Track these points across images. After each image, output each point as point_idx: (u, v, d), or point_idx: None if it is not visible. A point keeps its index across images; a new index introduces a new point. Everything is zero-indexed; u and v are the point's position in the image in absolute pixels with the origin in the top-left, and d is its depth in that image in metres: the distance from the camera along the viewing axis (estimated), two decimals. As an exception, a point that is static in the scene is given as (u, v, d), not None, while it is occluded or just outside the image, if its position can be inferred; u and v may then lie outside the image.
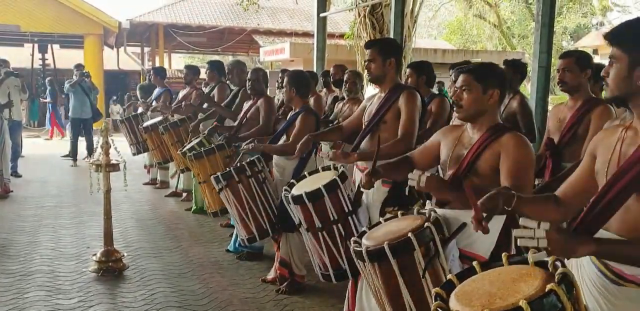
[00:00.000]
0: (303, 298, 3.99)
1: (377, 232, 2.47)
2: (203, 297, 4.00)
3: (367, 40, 3.60)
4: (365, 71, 3.52)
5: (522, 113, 4.52)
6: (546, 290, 1.40)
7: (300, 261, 4.13)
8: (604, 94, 1.77)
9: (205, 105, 6.15)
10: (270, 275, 4.33)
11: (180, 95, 7.22)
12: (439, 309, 1.58)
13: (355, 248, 2.38)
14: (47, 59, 19.83)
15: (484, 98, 2.41)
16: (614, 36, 1.69)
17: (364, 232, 2.53)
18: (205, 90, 6.52)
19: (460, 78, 2.46)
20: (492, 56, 16.22)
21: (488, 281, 1.60)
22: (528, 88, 13.80)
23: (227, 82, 6.18)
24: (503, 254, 1.69)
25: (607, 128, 1.92)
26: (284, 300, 3.96)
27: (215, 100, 6.08)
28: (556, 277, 1.44)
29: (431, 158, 2.69)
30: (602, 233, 1.72)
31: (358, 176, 3.47)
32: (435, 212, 2.44)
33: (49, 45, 19.96)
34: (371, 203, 3.29)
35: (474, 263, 1.72)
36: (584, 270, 1.79)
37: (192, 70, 7.49)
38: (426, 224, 2.29)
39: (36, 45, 19.59)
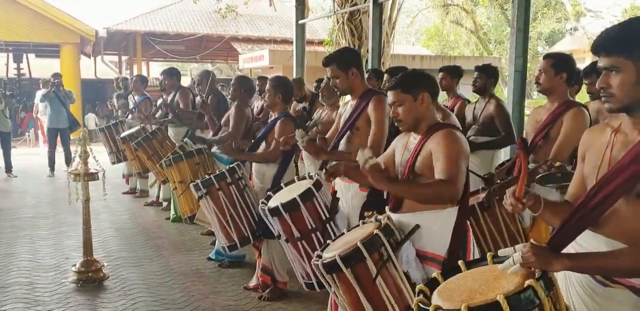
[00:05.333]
0: (286, 305, 3.98)
1: (336, 243, 2.55)
2: (185, 306, 3.97)
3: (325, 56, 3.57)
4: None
5: (500, 116, 4.60)
6: (524, 285, 1.43)
7: (282, 267, 4.12)
8: (606, 106, 1.67)
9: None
10: (253, 282, 4.31)
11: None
12: (420, 304, 1.61)
13: (314, 262, 2.45)
14: (22, 69, 19.58)
15: (417, 105, 2.51)
16: (611, 45, 1.62)
17: (328, 245, 2.60)
18: (168, 97, 6.58)
19: (390, 96, 2.56)
20: (470, 61, 16.37)
21: (471, 279, 1.64)
22: (505, 92, 13.96)
23: (197, 89, 6.26)
24: (488, 254, 1.72)
25: (593, 129, 1.87)
26: (266, 307, 3.94)
27: (181, 105, 6.25)
28: (536, 274, 1.48)
29: (390, 165, 2.76)
30: (588, 234, 1.72)
31: (337, 183, 3.49)
32: (389, 218, 2.50)
33: (24, 55, 19.72)
34: (350, 208, 3.31)
35: (460, 262, 1.77)
36: (572, 272, 1.79)
37: (142, 78, 7.96)
38: (375, 231, 2.36)
39: (11, 55, 19.34)
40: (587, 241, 1.73)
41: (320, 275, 2.45)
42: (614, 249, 1.61)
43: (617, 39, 1.61)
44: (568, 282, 1.80)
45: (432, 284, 1.72)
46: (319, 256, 2.47)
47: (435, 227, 2.45)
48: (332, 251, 2.42)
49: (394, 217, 2.55)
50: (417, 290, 1.72)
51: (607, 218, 1.67)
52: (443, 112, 3.97)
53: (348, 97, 3.68)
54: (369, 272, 2.31)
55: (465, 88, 5.48)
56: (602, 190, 1.63)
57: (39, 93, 12.87)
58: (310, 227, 3.16)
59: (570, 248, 1.73)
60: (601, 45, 1.63)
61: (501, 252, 1.66)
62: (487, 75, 4.73)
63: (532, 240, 1.64)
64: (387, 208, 2.69)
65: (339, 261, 2.30)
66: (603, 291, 1.70)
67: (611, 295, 1.69)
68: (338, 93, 3.59)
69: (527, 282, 1.44)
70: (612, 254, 1.58)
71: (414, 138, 2.60)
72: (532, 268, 1.54)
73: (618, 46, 1.60)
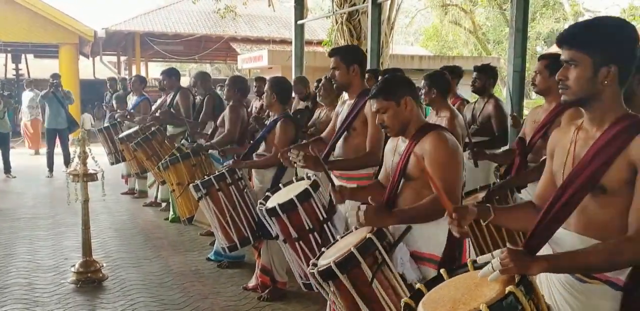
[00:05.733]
0: (285, 305, 3.98)
1: (331, 250, 2.55)
2: (184, 306, 3.97)
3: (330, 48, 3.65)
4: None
5: (497, 116, 4.63)
6: (505, 292, 1.44)
7: (281, 268, 4.13)
8: (562, 98, 1.74)
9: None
10: (252, 283, 4.31)
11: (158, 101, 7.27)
12: None
13: (309, 270, 2.45)
14: (21, 69, 19.53)
15: (401, 110, 2.50)
16: (572, 39, 1.68)
17: (322, 252, 2.60)
18: (167, 98, 6.60)
19: (374, 104, 2.56)
20: (468, 61, 16.36)
21: (454, 288, 1.65)
22: (504, 92, 13.98)
23: (194, 90, 6.28)
24: (468, 260, 1.73)
25: (561, 128, 1.92)
26: (265, 308, 3.95)
27: (180, 106, 6.26)
28: (515, 279, 1.48)
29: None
30: (563, 233, 1.74)
31: (336, 183, 3.48)
32: None
33: (23, 55, 19.68)
34: (349, 209, 3.31)
35: (441, 270, 1.77)
36: None
37: (140, 79, 7.98)
38: (368, 235, 2.36)
39: (9, 55, 19.30)
40: (563, 240, 1.75)
41: (317, 283, 2.45)
42: (587, 246, 1.63)
43: (579, 35, 1.68)
44: (550, 282, 1.82)
45: (417, 296, 1.73)
46: (314, 265, 2.47)
47: (431, 228, 2.44)
48: (327, 259, 2.43)
49: None
50: (402, 303, 1.73)
51: (577, 215, 1.70)
52: (451, 111, 3.97)
53: (346, 97, 3.69)
54: (365, 276, 2.32)
55: (464, 89, 5.49)
56: (569, 188, 1.67)
57: (25, 95, 12.89)
58: (307, 228, 3.16)
59: (548, 249, 1.75)
60: (565, 38, 1.69)
61: (480, 259, 1.67)
62: (486, 75, 4.74)
63: (508, 245, 1.66)
64: None
65: (334, 267, 2.31)
66: (582, 288, 1.72)
67: (590, 291, 1.70)
68: (334, 86, 3.58)
69: (507, 288, 1.45)
70: (584, 252, 1.59)
71: (402, 142, 2.59)
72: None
73: (579, 42, 1.66)
